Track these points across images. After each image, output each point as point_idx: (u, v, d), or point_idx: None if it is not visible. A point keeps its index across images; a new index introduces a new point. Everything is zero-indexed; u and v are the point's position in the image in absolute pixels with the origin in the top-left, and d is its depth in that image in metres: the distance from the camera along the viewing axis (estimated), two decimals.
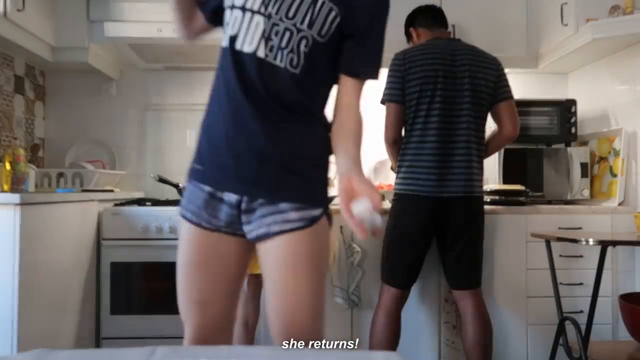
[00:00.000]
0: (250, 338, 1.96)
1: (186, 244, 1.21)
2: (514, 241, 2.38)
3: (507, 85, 2.14)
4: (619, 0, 2.38)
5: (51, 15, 2.57)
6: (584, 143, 2.84)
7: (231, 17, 1.16)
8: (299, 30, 1.11)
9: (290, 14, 1.11)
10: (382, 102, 2.14)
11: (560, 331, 2.06)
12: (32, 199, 1.84)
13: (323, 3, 1.12)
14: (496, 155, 2.64)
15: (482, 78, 2.07)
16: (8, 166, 2.23)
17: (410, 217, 2.06)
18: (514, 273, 2.37)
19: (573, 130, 2.71)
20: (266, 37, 1.11)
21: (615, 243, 1.91)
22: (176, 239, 2.33)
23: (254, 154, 1.13)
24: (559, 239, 2.00)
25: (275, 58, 1.12)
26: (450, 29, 2.44)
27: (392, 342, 2.08)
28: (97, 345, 2.36)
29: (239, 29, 1.14)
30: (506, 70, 2.94)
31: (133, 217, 2.37)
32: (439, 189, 2.01)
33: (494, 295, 2.35)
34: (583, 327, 1.91)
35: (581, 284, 2.36)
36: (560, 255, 2.34)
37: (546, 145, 2.75)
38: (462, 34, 2.67)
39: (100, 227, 2.38)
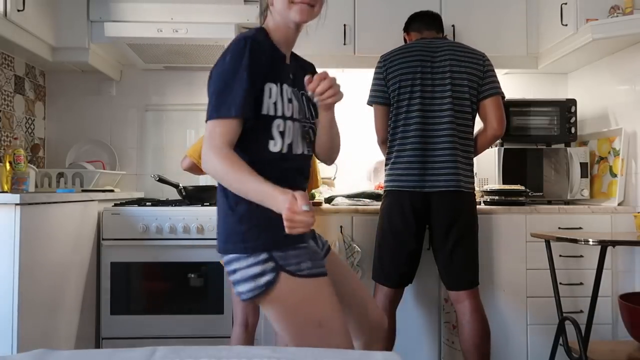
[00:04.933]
0: (250, 338, 1.96)
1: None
2: (514, 241, 2.38)
3: (494, 82, 2.10)
4: (618, 0, 2.38)
5: (51, 15, 2.57)
6: (584, 143, 2.84)
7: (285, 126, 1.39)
8: (312, 124, 1.46)
9: (306, 115, 1.44)
10: (368, 104, 2.19)
11: (560, 331, 2.06)
12: (32, 199, 1.84)
13: (306, 96, 1.43)
14: (496, 155, 2.64)
15: (465, 72, 2.06)
16: (8, 166, 2.23)
17: (396, 214, 2.06)
18: (514, 273, 2.37)
19: (573, 130, 2.71)
20: (302, 137, 1.43)
21: (615, 243, 1.90)
22: (176, 239, 2.35)
23: None
24: (559, 239, 2.00)
25: (307, 151, 1.46)
26: (446, 32, 2.44)
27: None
28: (97, 345, 2.36)
29: (292, 137, 1.39)
30: (506, 70, 2.95)
31: (133, 217, 2.37)
32: (421, 183, 2.02)
33: (494, 295, 2.35)
34: (583, 327, 1.91)
35: (581, 284, 2.36)
36: (560, 255, 2.34)
37: (546, 145, 2.75)
38: (462, 34, 2.67)
39: (100, 227, 2.38)
